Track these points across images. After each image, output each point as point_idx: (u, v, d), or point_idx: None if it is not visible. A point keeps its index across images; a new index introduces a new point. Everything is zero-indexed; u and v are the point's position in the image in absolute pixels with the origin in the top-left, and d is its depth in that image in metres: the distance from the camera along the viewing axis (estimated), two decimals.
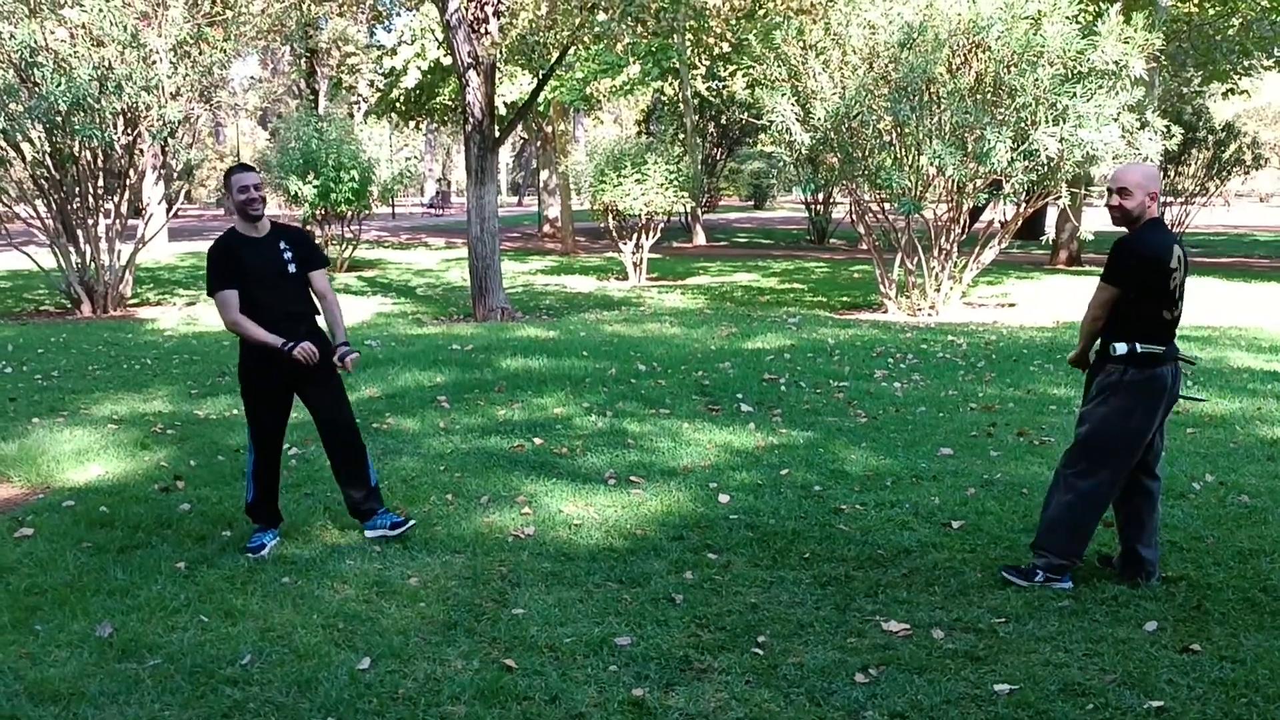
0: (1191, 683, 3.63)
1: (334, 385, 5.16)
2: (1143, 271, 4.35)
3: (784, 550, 4.94)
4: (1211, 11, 22.57)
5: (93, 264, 14.48)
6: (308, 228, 26.90)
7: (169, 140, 14.37)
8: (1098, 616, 4.18)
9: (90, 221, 14.33)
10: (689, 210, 26.06)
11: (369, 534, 5.12)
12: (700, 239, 30.33)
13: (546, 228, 33.50)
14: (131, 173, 14.76)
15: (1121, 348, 4.35)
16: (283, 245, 4.99)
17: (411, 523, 5.17)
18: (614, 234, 19.32)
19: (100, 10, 12.66)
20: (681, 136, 27.26)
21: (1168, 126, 13.18)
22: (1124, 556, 4.56)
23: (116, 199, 14.61)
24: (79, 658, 3.88)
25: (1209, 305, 14.44)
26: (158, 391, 8.58)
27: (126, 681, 3.70)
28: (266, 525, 5.08)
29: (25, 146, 13.75)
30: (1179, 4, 22.80)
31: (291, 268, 4.98)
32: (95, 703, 3.56)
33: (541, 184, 34.38)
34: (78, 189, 14.22)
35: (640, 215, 18.51)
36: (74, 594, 4.43)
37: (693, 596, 4.40)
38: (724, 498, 5.66)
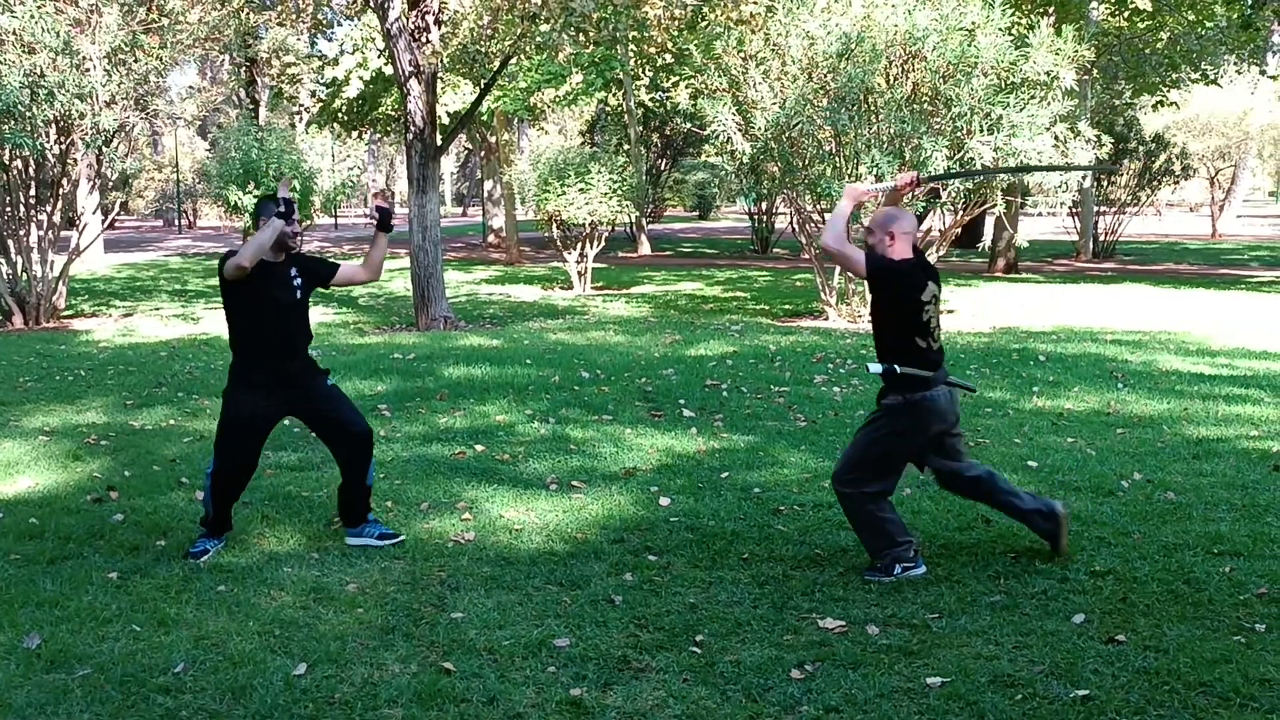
0: (1116, 672, 3.73)
1: (344, 396, 5.18)
2: (890, 277, 4.59)
3: (723, 551, 4.98)
4: (1141, 26, 23.13)
5: (25, 275, 14.18)
6: (248, 237, 26.66)
7: (103, 149, 14.13)
8: (1027, 610, 4.27)
9: (22, 232, 14.03)
10: (634, 220, 26.13)
11: (352, 541, 5.06)
12: (645, 248, 30.42)
13: (491, 238, 33.39)
14: (65, 182, 14.49)
15: (877, 367, 4.66)
16: (293, 272, 4.98)
17: (401, 537, 5.11)
18: (559, 243, 19.31)
19: (32, 16, 12.43)
20: (626, 147, 27.35)
21: (1098, 136, 13.51)
22: (1031, 527, 4.83)
23: (49, 209, 14.32)
24: (5, 669, 3.80)
25: (1140, 310, 14.79)
26: (92, 403, 8.43)
27: (55, 692, 3.63)
28: (214, 534, 5.02)
29: None
30: (1109, 18, 23.36)
31: (298, 295, 4.97)
32: (22, 714, 3.50)
33: (486, 194, 34.29)
34: (8, 198, 13.93)
35: (585, 225, 18.53)
36: (1, 605, 4.34)
37: (632, 598, 4.43)
38: (665, 501, 5.69)
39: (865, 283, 4.68)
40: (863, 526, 4.70)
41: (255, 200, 5.06)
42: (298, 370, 5.04)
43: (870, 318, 4.78)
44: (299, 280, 5.00)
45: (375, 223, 5.20)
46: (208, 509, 5.00)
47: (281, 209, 4.85)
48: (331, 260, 5.35)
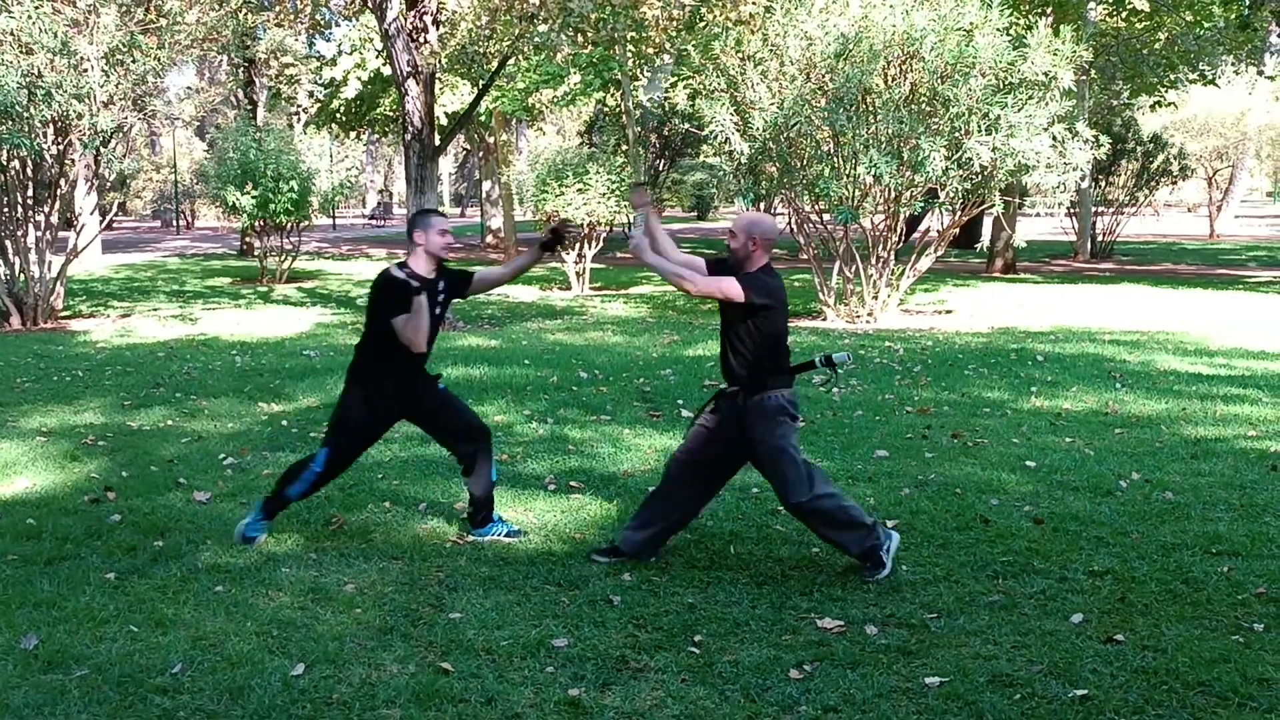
0: (1115, 671, 3.73)
1: (456, 398, 5.23)
2: (770, 288, 4.62)
3: (721, 551, 4.98)
4: (1139, 26, 23.14)
5: (22, 275, 14.16)
6: (246, 238, 26.58)
7: (101, 149, 14.11)
8: (1026, 610, 4.27)
9: (19, 232, 14.01)
10: (630, 221, 26.09)
11: (479, 538, 5.12)
12: None
13: (489, 238, 33.38)
14: (63, 182, 14.47)
15: (841, 355, 5.04)
16: (441, 286, 4.99)
17: (524, 533, 5.17)
18: None
19: (29, 16, 12.41)
20: (624, 147, 27.34)
21: (1096, 137, 13.51)
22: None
23: (47, 209, 14.30)
24: (2, 670, 3.79)
25: (1137, 311, 14.80)
26: (89, 403, 8.42)
27: (52, 692, 3.63)
28: (268, 517, 5.10)
29: None
30: (1107, 19, 23.37)
31: (438, 310, 4.98)
32: (19, 714, 3.49)
33: (484, 195, 34.28)
34: (6, 199, 13.91)
35: (583, 225, 18.51)
36: None
37: (630, 598, 4.43)
38: None
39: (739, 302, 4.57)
40: (839, 525, 4.62)
41: (414, 213, 5.07)
42: (421, 379, 5.07)
43: (733, 330, 4.67)
44: (443, 294, 5.02)
45: (546, 239, 5.14)
46: (295, 490, 5.03)
47: (417, 286, 4.80)
48: (466, 270, 5.28)
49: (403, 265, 4.94)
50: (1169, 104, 26.06)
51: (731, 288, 4.56)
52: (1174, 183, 28.40)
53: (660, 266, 4.70)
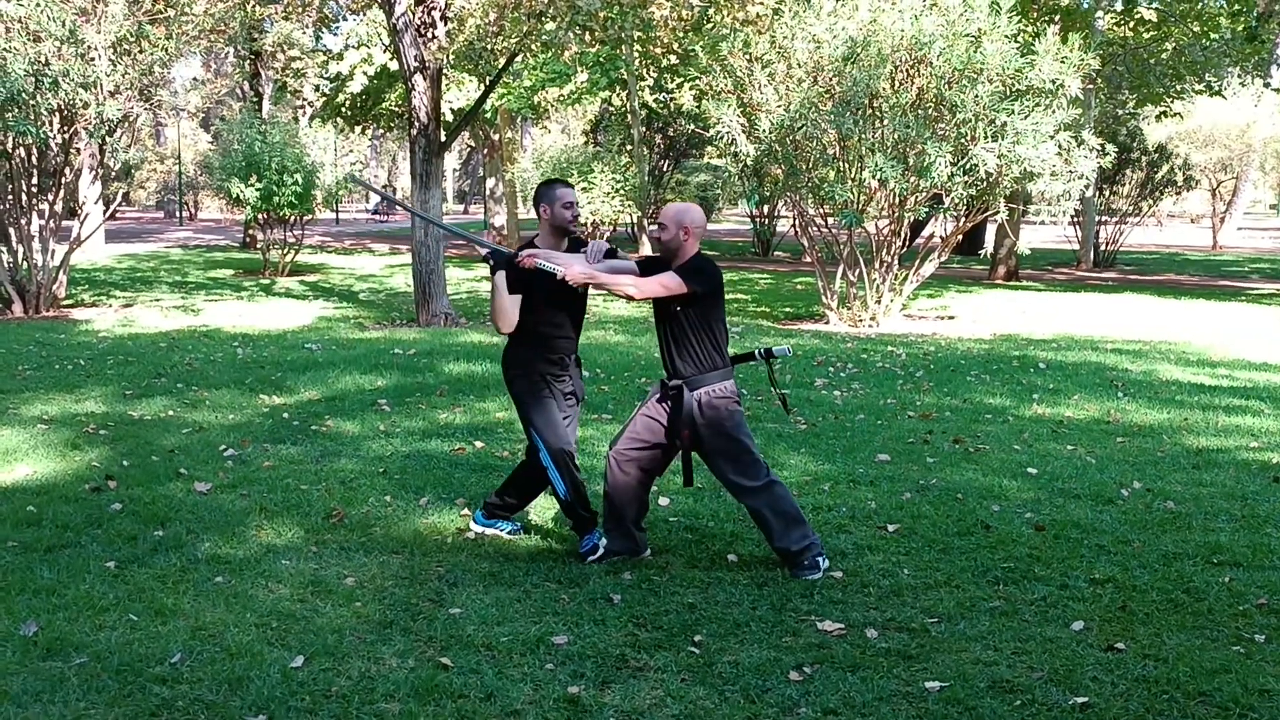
0: (1116, 679, 3.72)
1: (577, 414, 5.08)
2: (707, 276, 4.60)
3: (722, 552, 4.97)
4: (1146, 36, 23.13)
5: (25, 264, 14.16)
6: (249, 230, 26.57)
7: (107, 139, 14.10)
8: (1027, 616, 4.26)
9: (23, 220, 14.01)
10: (635, 220, 26.14)
11: (480, 527, 5.12)
12: (646, 249, 30.43)
13: (493, 235, 33.37)
14: (67, 171, 14.46)
15: (783, 348, 4.94)
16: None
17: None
18: None
19: (38, 4, 12.40)
20: (628, 147, 27.34)
21: (1102, 145, 13.50)
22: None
23: (51, 198, 14.30)
24: (2, 656, 3.79)
25: (1140, 320, 14.80)
26: (91, 392, 8.41)
27: (51, 680, 3.62)
28: (592, 525, 4.90)
29: None
30: (1115, 28, 23.36)
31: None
32: (18, 701, 3.49)
33: (488, 192, 34.28)
34: (10, 187, 13.91)
35: (586, 223, 18.52)
36: None
37: (631, 597, 4.42)
38: (664, 500, 5.68)
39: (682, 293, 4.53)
40: (784, 515, 4.63)
41: (540, 184, 4.96)
42: (571, 362, 4.97)
43: (674, 322, 4.62)
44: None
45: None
46: (563, 489, 4.86)
47: (494, 264, 4.76)
48: (610, 246, 5.04)
49: (531, 242, 4.87)
50: (1175, 114, 26.05)
51: (672, 281, 4.54)
52: (1178, 193, 28.40)
53: (598, 279, 4.59)
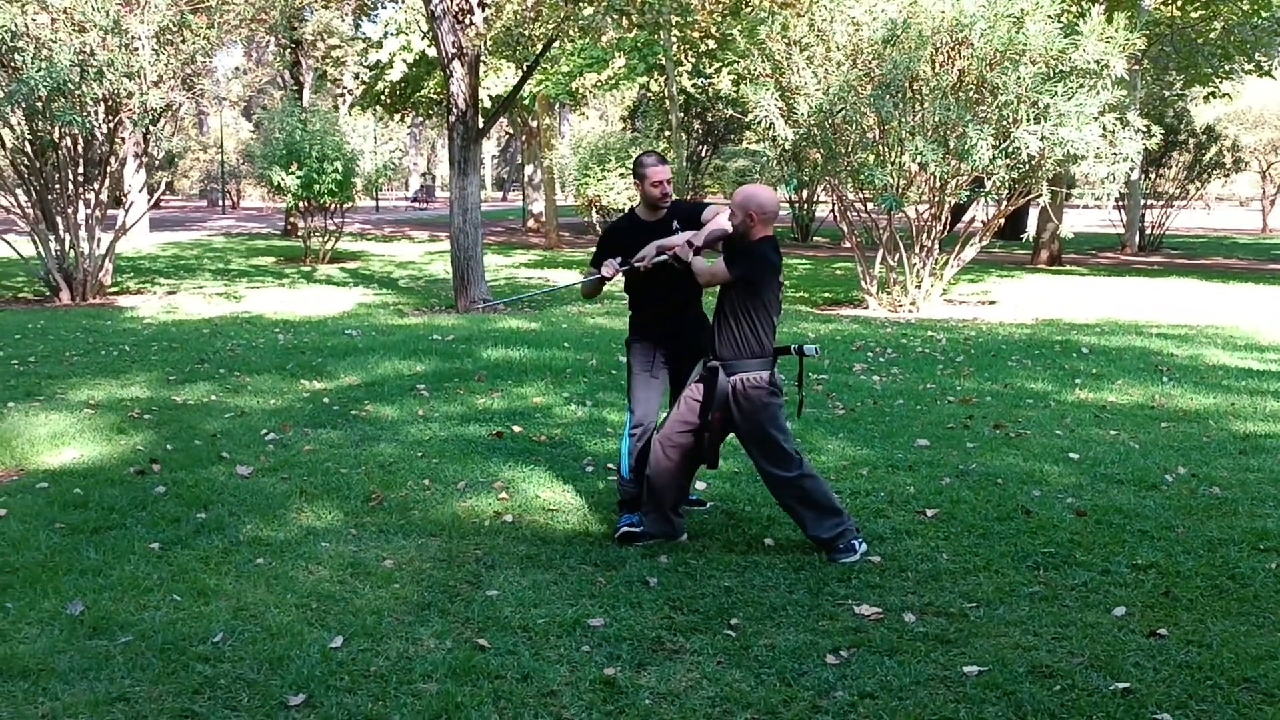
0: (1158, 665, 3.67)
1: (681, 386, 5.01)
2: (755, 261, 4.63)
3: (759, 536, 4.96)
4: (1194, 15, 22.70)
5: (72, 251, 14.39)
6: (290, 218, 26.81)
7: (151, 128, 14.29)
8: (1067, 602, 4.22)
9: (70, 209, 14.24)
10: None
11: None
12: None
13: (530, 222, 33.45)
14: (112, 160, 14.67)
15: (811, 349, 4.96)
16: (675, 227, 4.90)
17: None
18: (598, 228, 19.33)
19: None
20: (667, 133, 27.26)
21: (1147, 126, 13.28)
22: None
23: (97, 187, 14.52)
24: (49, 635, 3.86)
25: (1186, 304, 14.56)
26: (135, 378, 8.54)
27: (97, 658, 3.69)
28: (636, 505, 4.94)
29: (5, 133, 13.66)
30: (1161, 6, 22.94)
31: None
32: (65, 678, 3.56)
33: (526, 179, 34.34)
34: (57, 176, 14.13)
35: (624, 209, 18.53)
36: (46, 573, 4.41)
37: (667, 580, 4.42)
38: (700, 485, 5.67)
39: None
40: (815, 505, 4.64)
41: (637, 156, 5.09)
42: (685, 327, 5.01)
43: (725, 303, 4.66)
44: (679, 230, 4.88)
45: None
46: (628, 484, 4.93)
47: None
48: (700, 203, 5.12)
49: (631, 212, 5.03)
50: (1223, 95, 25.53)
51: (720, 269, 4.65)
52: (1226, 175, 27.90)
53: (699, 242, 4.75)
